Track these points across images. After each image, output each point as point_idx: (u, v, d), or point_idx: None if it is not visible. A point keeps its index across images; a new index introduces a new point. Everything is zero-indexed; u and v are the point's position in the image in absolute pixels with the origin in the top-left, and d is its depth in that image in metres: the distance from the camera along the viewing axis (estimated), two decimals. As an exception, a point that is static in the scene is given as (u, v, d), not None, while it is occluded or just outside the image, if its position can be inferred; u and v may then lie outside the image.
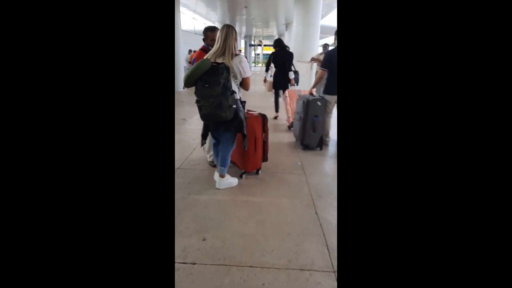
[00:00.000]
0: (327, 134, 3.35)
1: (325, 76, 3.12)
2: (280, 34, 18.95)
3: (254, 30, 20.44)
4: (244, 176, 2.40)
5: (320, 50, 6.31)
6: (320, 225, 1.73)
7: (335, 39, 3.12)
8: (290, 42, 8.63)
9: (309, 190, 2.21)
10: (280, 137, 3.70)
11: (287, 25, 13.69)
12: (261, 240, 1.57)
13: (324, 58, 3.16)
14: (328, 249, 1.50)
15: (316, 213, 1.87)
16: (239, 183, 2.27)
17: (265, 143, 2.48)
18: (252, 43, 25.44)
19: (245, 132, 2.04)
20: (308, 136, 3.15)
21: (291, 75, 4.23)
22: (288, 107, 4.15)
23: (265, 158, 2.53)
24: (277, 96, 4.51)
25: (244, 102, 2.07)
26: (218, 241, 1.55)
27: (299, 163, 2.79)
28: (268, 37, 26.96)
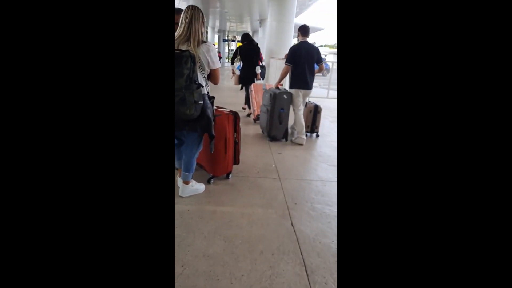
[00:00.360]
0: (300, 131, 3.26)
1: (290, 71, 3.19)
2: (254, 30, 18.78)
3: (228, 24, 19.98)
4: (212, 181, 2.14)
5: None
6: (297, 239, 1.53)
7: (298, 35, 3.20)
8: (264, 38, 8.45)
9: (284, 197, 2.01)
10: (247, 129, 3.77)
11: (261, 21, 13.49)
12: (230, 261, 1.33)
13: (289, 53, 3.20)
14: (306, 271, 1.30)
15: (292, 224, 1.67)
16: (206, 190, 2.00)
17: (236, 143, 2.23)
18: (226, 38, 24.87)
19: (213, 133, 1.77)
20: (275, 128, 3.25)
21: (258, 70, 4.31)
22: (254, 100, 4.18)
23: (236, 161, 2.28)
24: (247, 92, 4.52)
25: (213, 97, 1.80)
26: (177, 265, 1.28)
27: (273, 165, 2.59)
28: (242, 32, 26.44)
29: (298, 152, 3.01)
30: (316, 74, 3.30)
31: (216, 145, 2.00)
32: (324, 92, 6.66)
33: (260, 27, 14.17)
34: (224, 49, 23.62)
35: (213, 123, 1.75)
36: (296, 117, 3.24)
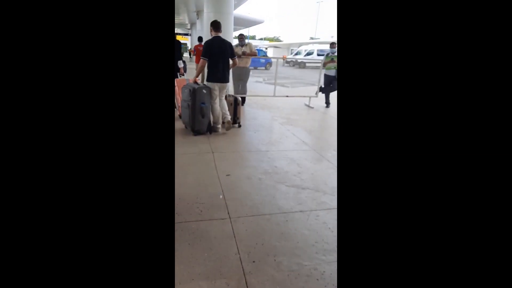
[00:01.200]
0: (217, 121, 3.50)
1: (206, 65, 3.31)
2: (192, 22, 17.66)
3: (162, 16, 18.36)
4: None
5: (236, 41, 5.63)
6: (262, 339, 1.03)
7: (211, 31, 3.29)
8: (203, 31, 7.71)
9: (237, 252, 1.49)
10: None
11: (198, 12, 12.56)
12: None
13: (204, 48, 3.31)
14: None
15: (252, 306, 1.17)
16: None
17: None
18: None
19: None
20: (198, 122, 3.33)
21: (180, 64, 4.37)
22: (178, 96, 4.16)
23: (168, 204, 1.68)
24: None
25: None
26: None
27: (221, 196, 2.05)
28: (180, 25, 25.37)
29: (251, 171, 2.51)
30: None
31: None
32: (271, 89, 6.29)
33: (198, 19, 13.22)
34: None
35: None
36: (212, 109, 3.44)
